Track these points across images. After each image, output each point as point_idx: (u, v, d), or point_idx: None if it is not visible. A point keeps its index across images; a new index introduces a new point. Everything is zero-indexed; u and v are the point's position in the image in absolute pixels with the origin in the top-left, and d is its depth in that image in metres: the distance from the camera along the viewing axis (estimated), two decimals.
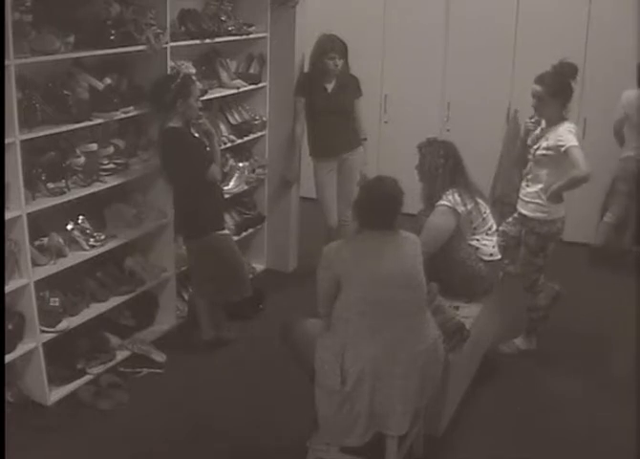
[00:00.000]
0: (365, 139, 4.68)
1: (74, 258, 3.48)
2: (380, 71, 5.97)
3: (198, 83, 3.83)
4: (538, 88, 3.60)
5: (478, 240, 3.52)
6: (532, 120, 3.78)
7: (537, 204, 3.70)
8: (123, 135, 3.80)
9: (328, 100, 4.49)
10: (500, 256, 3.60)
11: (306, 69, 4.67)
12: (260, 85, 4.63)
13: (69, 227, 3.54)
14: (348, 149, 4.60)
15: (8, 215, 3.07)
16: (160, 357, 3.84)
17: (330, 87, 4.49)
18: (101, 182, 3.57)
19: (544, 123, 3.71)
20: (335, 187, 4.69)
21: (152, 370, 3.76)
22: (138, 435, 3.26)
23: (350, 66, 4.52)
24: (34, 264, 3.28)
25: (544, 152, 3.60)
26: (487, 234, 3.55)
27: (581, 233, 5.25)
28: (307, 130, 4.68)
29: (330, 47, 4.37)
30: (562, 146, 3.49)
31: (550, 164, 3.59)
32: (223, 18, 4.27)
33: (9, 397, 3.29)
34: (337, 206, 4.71)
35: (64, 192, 3.35)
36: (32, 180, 3.23)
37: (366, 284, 2.64)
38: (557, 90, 3.58)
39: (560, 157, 3.52)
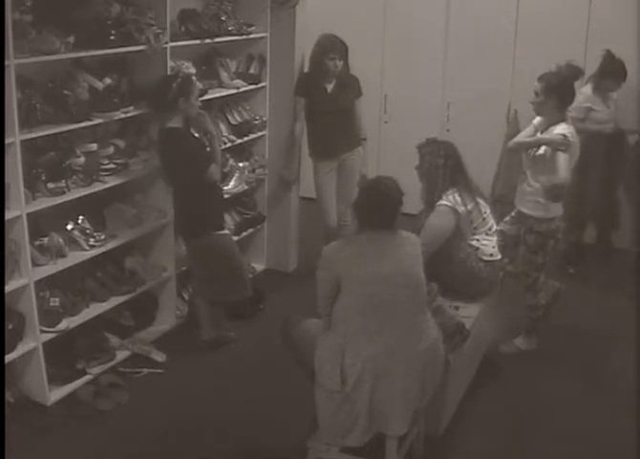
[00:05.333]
0: (365, 139, 4.68)
1: (74, 258, 3.48)
2: (380, 71, 5.97)
3: (198, 83, 3.83)
4: (539, 86, 3.61)
5: (478, 240, 3.52)
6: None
7: (536, 202, 3.70)
8: (123, 135, 3.80)
9: (327, 101, 4.49)
10: (500, 256, 3.60)
11: (306, 69, 4.67)
12: (260, 85, 4.63)
13: (69, 227, 3.54)
14: (347, 149, 4.59)
15: (8, 215, 3.07)
16: (159, 357, 3.84)
17: (329, 87, 4.49)
18: (101, 182, 3.57)
19: (540, 121, 3.71)
20: (335, 188, 4.69)
21: (152, 370, 3.76)
22: (137, 435, 3.26)
23: (350, 66, 4.52)
24: (34, 264, 3.28)
25: (540, 152, 3.61)
26: (487, 234, 3.55)
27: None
28: (306, 130, 4.68)
29: (331, 47, 4.37)
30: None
31: (547, 164, 3.59)
32: (223, 18, 4.27)
33: (9, 397, 3.29)
34: (337, 206, 4.71)
35: (64, 192, 3.35)
36: (31, 180, 3.23)
37: (366, 284, 2.64)
38: (557, 90, 3.58)
39: (554, 157, 3.53)
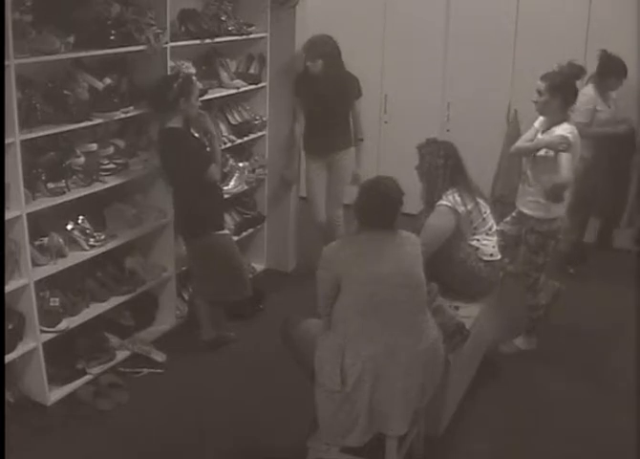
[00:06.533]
0: (361, 139, 4.66)
1: (74, 258, 3.48)
2: (380, 71, 5.97)
3: (198, 83, 3.83)
4: (541, 85, 3.60)
5: (478, 240, 3.52)
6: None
7: (536, 202, 3.70)
8: (123, 135, 3.80)
9: (319, 101, 4.48)
10: (499, 256, 3.60)
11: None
12: (260, 85, 4.63)
13: (69, 227, 3.54)
14: (337, 150, 4.59)
15: (8, 215, 3.07)
16: (160, 357, 3.84)
17: (321, 87, 4.47)
18: (101, 182, 3.57)
19: (543, 121, 3.71)
20: (324, 185, 4.71)
21: (152, 370, 3.76)
22: (137, 435, 3.26)
23: (347, 66, 4.50)
24: (34, 264, 3.28)
25: (543, 153, 3.61)
26: (487, 234, 3.55)
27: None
28: (304, 127, 4.69)
29: (308, 48, 4.40)
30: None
31: (550, 165, 3.59)
32: (223, 18, 4.26)
33: (9, 397, 3.29)
34: (327, 205, 4.73)
35: (64, 192, 3.35)
36: (32, 180, 3.23)
37: (366, 284, 2.64)
38: (561, 89, 3.58)
39: (556, 157, 3.53)
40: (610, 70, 4.64)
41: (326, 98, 4.47)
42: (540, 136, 3.69)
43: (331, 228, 4.73)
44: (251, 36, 4.46)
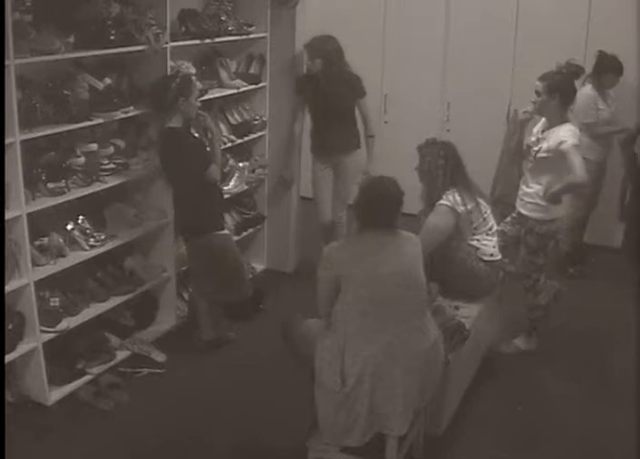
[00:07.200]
0: (372, 136, 4.63)
1: (74, 258, 3.48)
2: (380, 71, 5.97)
3: (198, 83, 3.84)
4: (540, 85, 3.61)
5: (478, 240, 3.52)
6: (526, 110, 3.77)
7: (536, 204, 3.70)
8: (123, 135, 3.80)
9: (321, 101, 4.48)
10: (500, 256, 3.60)
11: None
12: (260, 85, 4.63)
13: (69, 227, 3.54)
14: (343, 151, 4.58)
15: (8, 215, 3.07)
16: (160, 357, 3.84)
17: (322, 87, 4.46)
18: (101, 182, 3.57)
19: (543, 122, 3.71)
20: (330, 185, 4.71)
21: (152, 370, 3.76)
22: (137, 435, 3.26)
23: (347, 66, 4.49)
24: (34, 264, 3.28)
25: (544, 155, 3.61)
26: (488, 234, 3.55)
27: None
28: (310, 127, 4.68)
29: (308, 48, 4.41)
30: (561, 149, 3.50)
31: (550, 166, 3.59)
32: (223, 18, 4.27)
33: (9, 397, 3.29)
34: (332, 206, 4.72)
35: (64, 192, 3.35)
36: (32, 180, 3.23)
37: (366, 284, 2.64)
38: (558, 89, 3.58)
39: (559, 159, 3.52)
40: (606, 67, 4.65)
41: (327, 97, 4.47)
42: (540, 136, 3.69)
43: (334, 228, 4.73)
44: (251, 36, 4.46)
